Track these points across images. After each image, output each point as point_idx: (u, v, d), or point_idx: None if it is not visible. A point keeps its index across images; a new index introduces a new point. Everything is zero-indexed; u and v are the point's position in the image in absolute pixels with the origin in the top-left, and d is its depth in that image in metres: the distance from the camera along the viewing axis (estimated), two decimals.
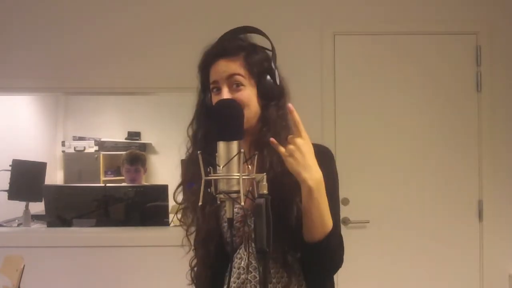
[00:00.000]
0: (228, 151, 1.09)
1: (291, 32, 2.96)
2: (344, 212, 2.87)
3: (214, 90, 1.29)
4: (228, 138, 1.10)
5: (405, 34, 2.95)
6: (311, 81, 2.94)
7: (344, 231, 2.85)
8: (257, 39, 1.36)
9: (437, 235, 2.89)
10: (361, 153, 2.92)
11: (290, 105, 1.17)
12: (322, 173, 1.13)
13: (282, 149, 1.13)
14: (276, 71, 1.30)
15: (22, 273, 2.38)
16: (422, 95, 2.95)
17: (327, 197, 1.14)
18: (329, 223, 1.14)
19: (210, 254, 1.29)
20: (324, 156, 1.22)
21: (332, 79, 2.93)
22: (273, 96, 1.29)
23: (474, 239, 2.90)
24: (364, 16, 2.98)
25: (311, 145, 1.14)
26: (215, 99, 1.27)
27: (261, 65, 1.29)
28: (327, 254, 1.16)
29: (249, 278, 1.25)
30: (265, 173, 1.11)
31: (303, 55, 2.95)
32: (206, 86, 1.34)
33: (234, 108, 1.15)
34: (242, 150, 1.07)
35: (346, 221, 2.88)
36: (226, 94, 1.25)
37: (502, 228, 2.89)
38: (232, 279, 1.26)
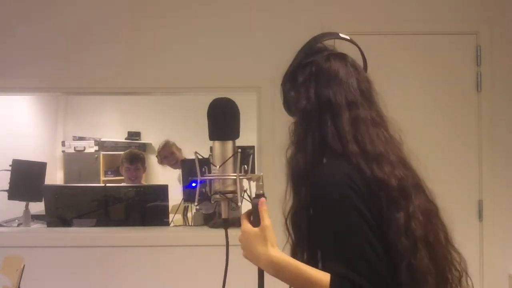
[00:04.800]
0: (223, 151, 1.09)
1: (292, 32, 2.96)
2: None
3: None
4: (223, 138, 1.10)
5: (405, 34, 2.95)
6: None
7: None
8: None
9: None
10: None
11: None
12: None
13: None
14: (290, 84, 1.24)
15: (22, 273, 2.37)
16: (422, 95, 2.95)
17: (325, 240, 1.07)
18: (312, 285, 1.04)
19: None
20: (314, 186, 1.12)
21: None
22: (288, 108, 1.26)
23: (474, 239, 2.90)
24: (364, 16, 2.97)
25: (250, 234, 1.12)
26: None
27: (285, 75, 1.27)
28: None
29: None
30: (261, 173, 1.12)
31: None
32: None
33: (228, 107, 1.14)
34: (239, 150, 1.07)
35: None
36: None
37: (502, 228, 2.89)
38: None
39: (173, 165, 4.25)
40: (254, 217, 1.14)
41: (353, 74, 1.21)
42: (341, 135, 1.13)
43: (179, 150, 4.29)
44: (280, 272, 1.08)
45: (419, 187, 1.18)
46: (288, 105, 1.24)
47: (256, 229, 1.12)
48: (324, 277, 1.02)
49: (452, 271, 1.17)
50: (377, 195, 1.08)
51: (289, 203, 1.19)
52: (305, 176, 1.15)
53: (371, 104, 1.21)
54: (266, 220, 1.12)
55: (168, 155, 4.24)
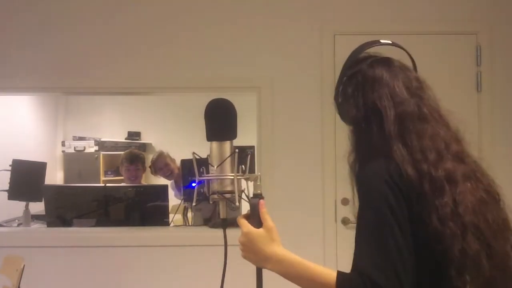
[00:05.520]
0: (221, 151, 1.09)
1: (291, 32, 2.96)
2: (344, 212, 2.87)
3: None
4: (220, 138, 1.10)
5: (405, 34, 2.94)
6: (311, 81, 2.94)
7: (344, 231, 2.86)
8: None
9: None
10: None
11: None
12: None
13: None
14: (342, 92, 1.26)
15: (22, 273, 2.37)
16: None
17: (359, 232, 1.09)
18: (321, 282, 1.06)
19: None
20: (357, 186, 1.16)
21: (332, 79, 2.92)
22: (343, 119, 1.28)
23: None
24: (364, 16, 2.97)
25: (256, 236, 1.14)
26: None
27: (336, 88, 1.29)
28: None
29: None
30: (259, 173, 1.12)
31: (303, 55, 2.95)
32: None
33: (226, 108, 1.15)
34: (237, 151, 1.08)
35: (346, 221, 2.87)
36: None
37: None
38: None
39: (168, 177, 4.14)
40: (254, 217, 1.15)
41: (398, 75, 1.23)
42: (386, 135, 1.14)
43: (173, 161, 4.16)
44: (289, 271, 1.10)
45: (473, 176, 1.18)
46: (343, 116, 1.28)
47: (261, 230, 1.14)
48: (332, 273, 1.04)
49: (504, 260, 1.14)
50: (421, 188, 1.07)
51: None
52: None
53: (421, 100, 1.22)
54: (269, 221, 1.15)
55: (162, 166, 4.12)
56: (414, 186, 1.07)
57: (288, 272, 1.10)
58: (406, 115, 1.17)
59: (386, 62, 1.27)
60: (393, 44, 1.32)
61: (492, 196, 1.19)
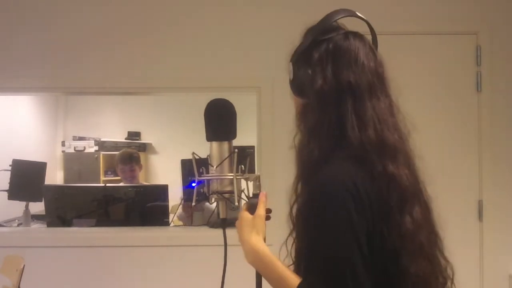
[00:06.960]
0: (220, 151, 1.10)
1: (292, 31, 2.96)
2: None
3: None
4: (220, 139, 1.10)
5: (405, 34, 2.95)
6: None
7: None
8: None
9: None
10: None
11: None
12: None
13: None
14: (299, 63, 1.12)
15: (22, 273, 2.37)
16: (422, 95, 2.95)
17: (304, 239, 1.02)
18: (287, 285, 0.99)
19: None
20: (310, 191, 1.04)
21: None
22: (295, 91, 1.14)
23: (474, 239, 2.90)
24: (363, 16, 2.97)
25: (242, 220, 1.11)
26: None
27: (295, 51, 1.17)
28: None
29: None
30: (259, 173, 1.12)
31: None
32: None
33: (225, 108, 1.15)
34: (236, 151, 1.08)
35: None
36: None
37: (502, 228, 2.89)
38: None
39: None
40: (253, 210, 1.15)
41: (371, 56, 1.12)
42: (361, 123, 1.03)
43: None
44: (257, 261, 1.07)
45: (420, 188, 1.12)
46: (299, 85, 1.13)
47: (250, 216, 1.12)
48: (294, 280, 0.98)
49: (438, 278, 1.10)
50: (388, 200, 0.99)
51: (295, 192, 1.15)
52: (317, 166, 1.04)
53: (388, 90, 1.13)
54: (259, 210, 1.12)
55: None
56: (382, 198, 0.98)
57: (255, 261, 1.07)
58: (380, 105, 1.07)
59: (361, 38, 1.14)
60: (365, 20, 1.22)
61: (430, 209, 1.15)
